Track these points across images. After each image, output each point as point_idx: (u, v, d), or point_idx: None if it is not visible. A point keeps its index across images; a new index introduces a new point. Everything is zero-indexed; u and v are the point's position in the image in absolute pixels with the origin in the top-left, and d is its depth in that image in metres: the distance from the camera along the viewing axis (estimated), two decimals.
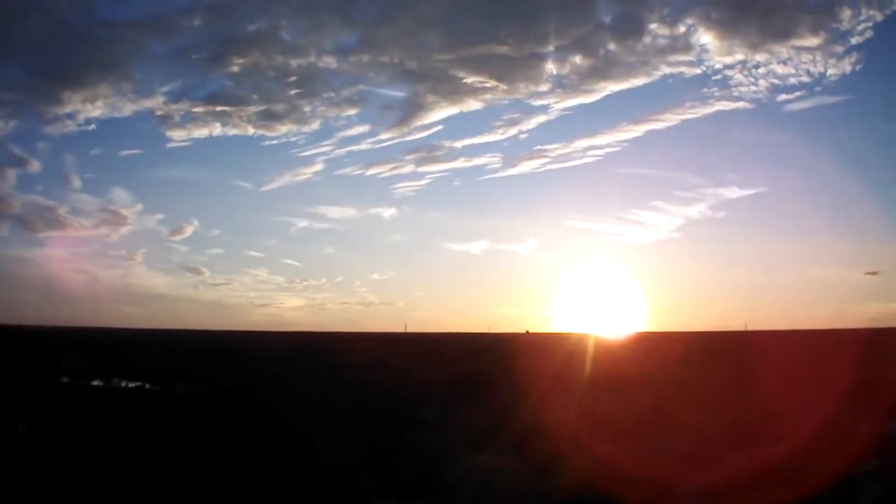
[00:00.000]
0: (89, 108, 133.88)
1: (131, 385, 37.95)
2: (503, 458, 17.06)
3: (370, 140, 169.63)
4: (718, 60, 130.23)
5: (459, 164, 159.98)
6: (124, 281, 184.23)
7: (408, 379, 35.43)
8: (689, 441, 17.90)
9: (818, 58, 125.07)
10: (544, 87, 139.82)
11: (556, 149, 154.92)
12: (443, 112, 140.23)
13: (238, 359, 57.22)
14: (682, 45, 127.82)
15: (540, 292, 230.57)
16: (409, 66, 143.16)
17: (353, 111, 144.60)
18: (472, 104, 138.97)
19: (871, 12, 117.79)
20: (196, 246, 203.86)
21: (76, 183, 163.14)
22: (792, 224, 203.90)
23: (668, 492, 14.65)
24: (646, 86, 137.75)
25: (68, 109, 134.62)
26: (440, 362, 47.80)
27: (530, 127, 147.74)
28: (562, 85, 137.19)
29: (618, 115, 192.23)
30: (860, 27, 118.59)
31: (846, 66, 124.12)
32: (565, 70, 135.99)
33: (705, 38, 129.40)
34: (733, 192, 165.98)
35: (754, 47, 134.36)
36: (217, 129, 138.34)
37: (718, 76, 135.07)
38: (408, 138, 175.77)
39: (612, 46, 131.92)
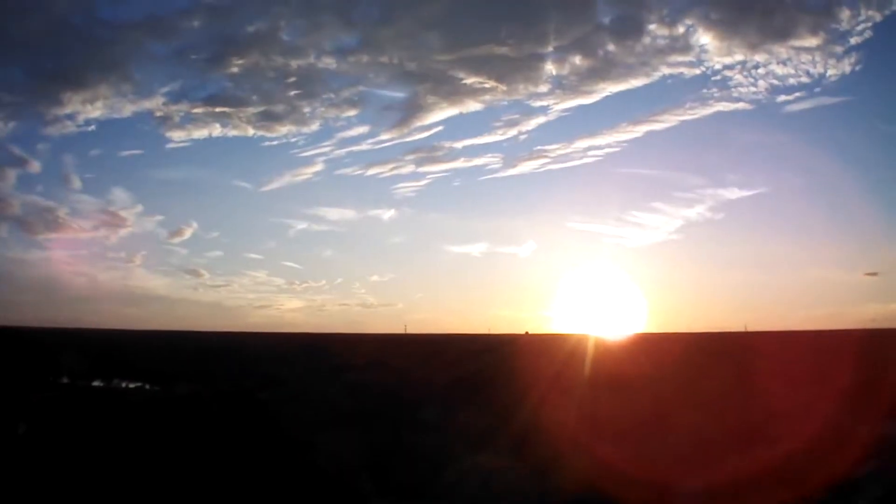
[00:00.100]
0: (89, 108, 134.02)
1: (131, 386, 37.93)
2: (503, 459, 17.07)
3: (370, 141, 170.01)
4: (718, 61, 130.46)
5: (459, 164, 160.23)
6: (124, 282, 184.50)
7: (407, 380, 35.42)
8: (688, 442, 17.92)
9: (817, 58, 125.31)
10: (544, 88, 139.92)
11: (555, 149, 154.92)
12: (443, 113, 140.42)
13: (238, 360, 57.21)
14: (681, 45, 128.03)
15: (540, 294, 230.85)
16: (409, 66, 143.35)
17: (352, 112, 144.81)
18: (472, 105, 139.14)
19: (871, 13, 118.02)
20: (195, 248, 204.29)
21: (76, 184, 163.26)
22: (791, 225, 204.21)
23: (667, 492, 14.66)
24: (645, 86, 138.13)
25: (68, 110, 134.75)
26: (440, 363, 47.79)
27: (530, 128, 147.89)
28: (561, 86, 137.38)
29: (617, 116, 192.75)
30: (859, 27, 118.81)
31: (845, 66, 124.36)
32: (565, 71, 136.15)
33: (704, 38, 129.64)
34: (733, 193, 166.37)
35: (754, 48, 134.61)
36: (217, 130, 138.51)
37: (718, 77, 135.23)
38: (407, 139, 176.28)
39: (611, 47, 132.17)
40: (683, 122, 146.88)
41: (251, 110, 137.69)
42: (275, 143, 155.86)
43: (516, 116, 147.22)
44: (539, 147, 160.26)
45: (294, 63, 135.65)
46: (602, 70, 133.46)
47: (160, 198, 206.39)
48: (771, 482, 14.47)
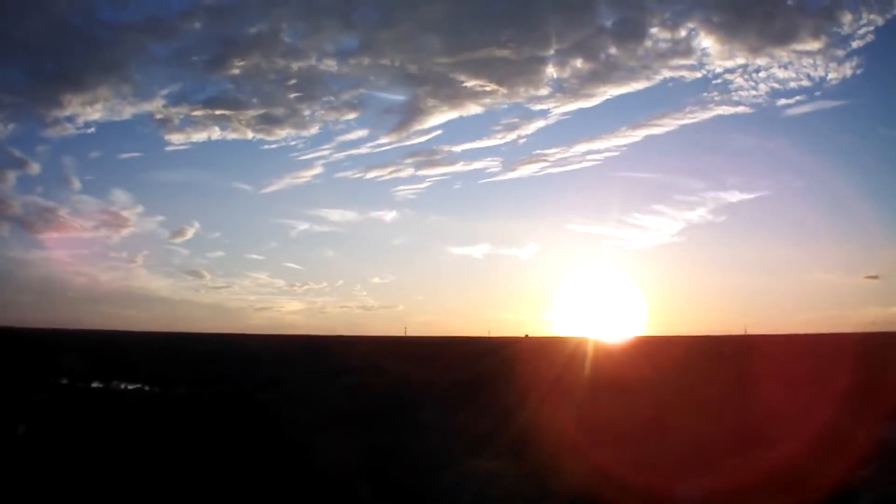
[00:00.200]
0: (89, 110, 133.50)
1: (131, 387, 37.96)
2: (502, 463, 17.09)
3: (369, 144, 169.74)
4: (719, 64, 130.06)
5: (458, 168, 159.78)
6: (125, 283, 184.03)
7: (407, 382, 35.42)
8: (687, 446, 17.92)
9: (819, 62, 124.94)
10: (544, 92, 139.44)
11: (555, 153, 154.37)
12: (443, 116, 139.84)
13: (238, 362, 57.24)
14: (682, 49, 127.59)
15: (541, 296, 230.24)
16: (409, 69, 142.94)
17: (352, 115, 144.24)
18: (472, 108, 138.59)
19: (872, 16, 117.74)
20: (197, 249, 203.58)
21: (76, 185, 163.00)
22: (792, 228, 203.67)
23: (666, 497, 14.67)
24: (646, 90, 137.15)
25: (68, 112, 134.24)
26: (439, 366, 47.78)
27: (529, 131, 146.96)
28: (562, 89, 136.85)
29: (618, 120, 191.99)
30: (861, 31, 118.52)
31: (847, 70, 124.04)
32: (565, 74, 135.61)
33: (706, 42, 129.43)
34: (734, 196, 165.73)
35: (755, 51, 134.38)
36: (216, 133, 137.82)
37: (719, 80, 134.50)
38: (407, 143, 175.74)
39: (612, 50, 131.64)
40: (684, 125, 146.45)
41: (251, 113, 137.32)
42: (274, 146, 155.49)
43: (516, 120, 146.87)
44: (538, 151, 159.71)
45: (294, 65, 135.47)
46: (603, 73, 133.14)
47: (161, 199, 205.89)
48: (770, 486, 14.48)
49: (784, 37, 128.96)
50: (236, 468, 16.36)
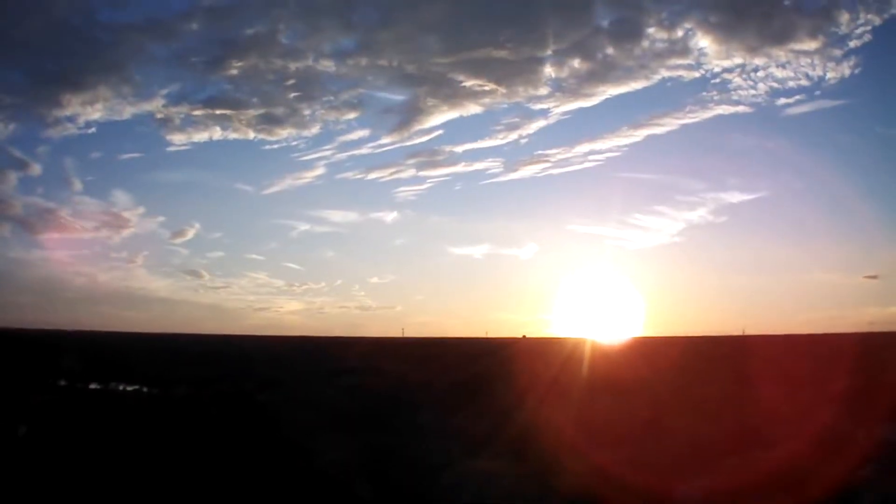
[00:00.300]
0: (89, 110, 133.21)
1: (130, 388, 37.91)
2: (501, 463, 17.11)
3: (370, 145, 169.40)
4: (717, 64, 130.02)
5: (460, 169, 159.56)
6: (124, 284, 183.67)
7: (406, 383, 35.43)
8: (686, 446, 17.95)
9: (817, 61, 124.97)
10: (544, 91, 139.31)
11: (556, 153, 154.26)
12: (443, 116, 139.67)
13: (236, 362, 57.20)
14: (680, 48, 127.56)
15: (540, 297, 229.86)
16: (409, 69, 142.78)
17: (352, 115, 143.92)
18: (472, 108, 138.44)
19: (870, 16, 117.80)
20: (197, 249, 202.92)
21: (77, 186, 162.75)
22: (792, 228, 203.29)
23: (665, 497, 14.69)
24: (645, 89, 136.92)
25: (68, 112, 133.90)
26: (438, 367, 47.77)
27: (530, 131, 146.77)
28: (561, 88, 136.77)
29: (618, 119, 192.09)
30: (859, 31, 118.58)
31: (845, 69, 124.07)
32: (564, 74, 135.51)
33: (703, 41, 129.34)
34: (734, 197, 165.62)
35: (753, 51, 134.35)
36: (217, 133, 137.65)
37: (717, 80, 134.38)
38: (408, 143, 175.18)
39: (610, 50, 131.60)
40: (684, 125, 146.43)
41: (251, 112, 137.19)
42: (275, 146, 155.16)
43: (516, 120, 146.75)
44: (540, 151, 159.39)
45: (293, 65, 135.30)
46: (601, 73, 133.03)
47: (161, 200, 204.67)
48: (769, 487, 14.49)
49: (782, 36, 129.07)
50: (236, 469, 16.36)
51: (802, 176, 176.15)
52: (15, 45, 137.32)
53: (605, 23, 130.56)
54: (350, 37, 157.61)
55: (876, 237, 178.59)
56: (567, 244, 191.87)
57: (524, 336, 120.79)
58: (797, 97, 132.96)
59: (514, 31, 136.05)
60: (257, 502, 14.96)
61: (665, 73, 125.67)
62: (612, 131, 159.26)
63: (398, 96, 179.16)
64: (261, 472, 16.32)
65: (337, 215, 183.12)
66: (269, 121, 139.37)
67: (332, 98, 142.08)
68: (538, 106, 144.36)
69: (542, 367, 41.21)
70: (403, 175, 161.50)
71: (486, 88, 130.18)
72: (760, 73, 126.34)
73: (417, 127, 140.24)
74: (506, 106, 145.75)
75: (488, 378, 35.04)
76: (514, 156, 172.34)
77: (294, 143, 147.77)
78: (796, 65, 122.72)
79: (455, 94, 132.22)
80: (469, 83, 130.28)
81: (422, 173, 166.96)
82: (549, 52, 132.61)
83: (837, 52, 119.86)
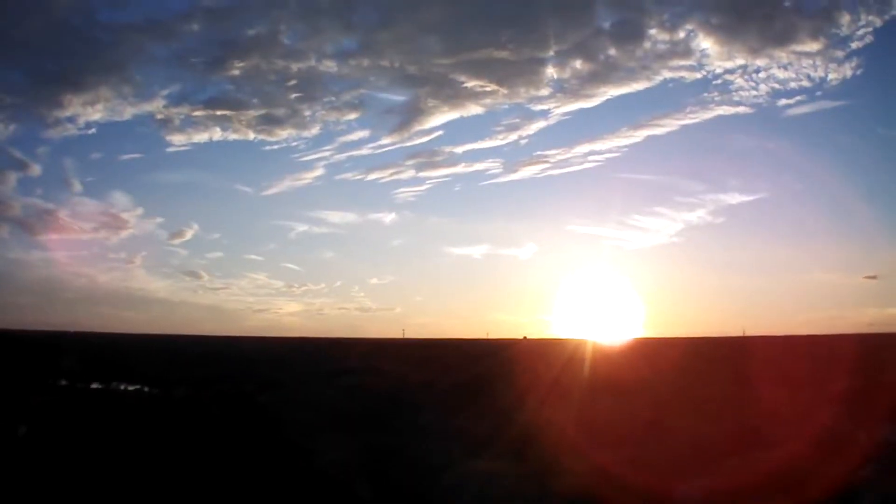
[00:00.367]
0: (89, 111, 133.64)
1: (130, 389, 37.92)
2: (501, 464, 17.12)
3: (370, 145, 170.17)
4: (719, 65, 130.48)
5: (460, 169, 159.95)
6: (123, 284, 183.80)
7: (406, 384, 35.45)
8: (687, 446, 17.96)
9: (818, 63, 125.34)
10: (545, 92, 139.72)
11: (556, 154, 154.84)
12: (443, 116, 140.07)
13: (236, 363, 57.21)
14: (682, 50, 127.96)
15: (539, 297, 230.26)
16: (409, 70, 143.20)
17: (353, 115, 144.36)
18: (473, 108, 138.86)
19: (871, 17, 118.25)
20: (196, 250, 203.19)
21: (76, 186, 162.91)
22: (791, 228, 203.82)
23: (665, 498, 14.70)
24: (646, 90, 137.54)
25: (68, 113, 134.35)
26: (438, 367, 47.78)
27: (530, 132, 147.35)
28: (562, 89, 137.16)
29: (618, 120, 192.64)
30: (860, 32, 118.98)
31: (846, 70, 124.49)
32: (565, 74, 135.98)
33: (705, 43, 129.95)
34: (734, 198, 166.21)
35: (754, 52, 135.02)
36: (217, 134, 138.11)
37: (719, 81, 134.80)
38: (408, 143, 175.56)
39: (612, 51, 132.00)
40: (685, 125, 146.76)
41: (252, 113, 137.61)
42: (275, 147, 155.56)
43: (517, 120, 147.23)
44: (539, 152, 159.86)
45: (294, 66, 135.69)
46: (603, 74, 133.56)
47: (161, 200, 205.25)
48: (769, 487, 14.50)
49: (783, 38, 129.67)
50: (237, 469, 16.37)
51: (803, 176, 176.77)
52: (15, 45, 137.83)
53: (606, 24, 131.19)
54: (351, 38, 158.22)
55: (876, 237, 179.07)
56: (566, 245, 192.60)
57: (525, 337, 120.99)
58: (798, 98, 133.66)
59: (516, 32, 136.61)
60: (258, 503, 14.97)
61: (667, 75, 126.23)
62: (612, 132, 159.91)
63: (399, 97, 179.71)
64: (261, 473, 16.33)
65: (336, 216, 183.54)
66: (270, 121, 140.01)
67: (333, 99, 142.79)
68: (539, 107, 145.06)
69: (543, 367, 41.24)
70: (403, 176, 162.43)
71: (487, 89, 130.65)
72: (762, 74, 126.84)
73: (418, 127, 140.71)
74: (506, 106, 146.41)
75: (489, 379, 35.06)
76: (513, 156, 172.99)
77: (294, 143, 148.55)
78: (798, 66, 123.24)
79: (456, 95, 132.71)
80: (470, 84, 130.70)
81: (421, 174, 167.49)
82: (550, 52, 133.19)
83: (839, 54, 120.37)
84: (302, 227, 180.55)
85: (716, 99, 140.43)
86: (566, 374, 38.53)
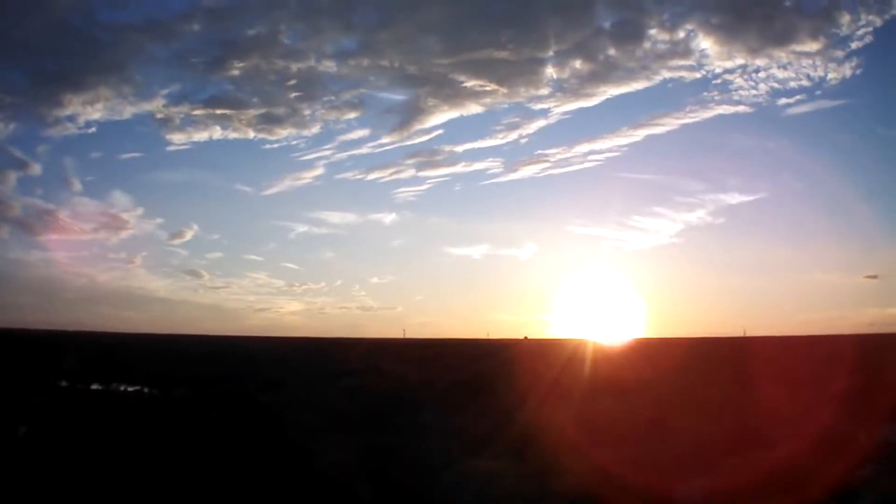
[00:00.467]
0: (89, 110, 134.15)
1: (130, 389, 37.92)
2: (502, 463, 17.12)
3: (370, 144, 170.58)
4: (718, 65, 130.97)
5: (460, 169, 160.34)
6: (123, 284, 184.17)
7: (406, 384, 35.45)
8: (687, 446, 17.95)
9: (818, 62, 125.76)
10: (544, 91, 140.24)
11: (556, 153, 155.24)
12: (443, 116, 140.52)
13: (237, 363, 57.22)
14: (681, 49, 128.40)
15: (539, 297, 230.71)
16: (409, 70, 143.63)
17: (353, 115, 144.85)
18: (473, 108, 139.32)
19: (871, 17, 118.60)
20: (196, 249, 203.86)
21: (76, 186, 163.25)
22: (791, 228, 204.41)
23: (666, 498, 14.70)
24: (646, 90, 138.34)
25: (68, 112, 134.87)
26: (439, 367, 47.80)
27: (531, 131, 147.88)
28: (562, 89, 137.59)
29: (618, 120, 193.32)
30: (860, 32, 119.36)
31: (846, 70, 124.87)
32: (565, 74, 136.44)
33: (705, 43, 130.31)
34: (733, 199, 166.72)
35: (754, 52, 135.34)
36: (217, 133, 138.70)
37: (718, 80, 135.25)
38: (408, 143, 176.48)
39: (611, 51, 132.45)
40: (684, 125, 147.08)
41: (252, 112, 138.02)
42: (275, 145, 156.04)
43: (517, 120, 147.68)
44: (540, 151, 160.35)
45: (294, 66, 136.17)
46: (602, 74, 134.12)
47: (160, 200, 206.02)
48: (770, 487, 14.50)
49: (783, 38, 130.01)
50: (237, 470, 16.37)
51: (803, 176, 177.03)
52: (15, 45, 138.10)
53: (606, 24, 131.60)
54: (351, 37, 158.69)
55: (876, 237, 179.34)
56: (566, 245, 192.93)
57: (525, 338, 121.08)
58: (798, 97, 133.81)
59: (516, 32, 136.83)
60: (259, 502, 14.98)
61: (666, 74, 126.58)
62: (612, 131, 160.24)
63: (399, 96, 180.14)
64: (262, 473, 16.34)
65: (335, 217, 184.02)
66: (270, 120, 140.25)
67: (333, 98, 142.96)
68: (539, 106, 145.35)
69: (544, 367, 41.26)
70: (403, 175, 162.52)
71: (487, 89, 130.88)
72: (762, 74, 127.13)
73: (418, 126, 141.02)
74: (506, 106, 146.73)
75: (490, 378, 35.08)
76: (513, 156, 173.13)
77: (294, 142, 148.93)
78: (797, 66, 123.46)
79: (456, 95, 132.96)
80: (470, 83, 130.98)
81: (421, 174, 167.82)
82: (550, 52, 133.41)
83: (838, 53, 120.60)
84: (302, 228, 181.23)
85: (715, 98, 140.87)
86: (566, 374, 38.54)
